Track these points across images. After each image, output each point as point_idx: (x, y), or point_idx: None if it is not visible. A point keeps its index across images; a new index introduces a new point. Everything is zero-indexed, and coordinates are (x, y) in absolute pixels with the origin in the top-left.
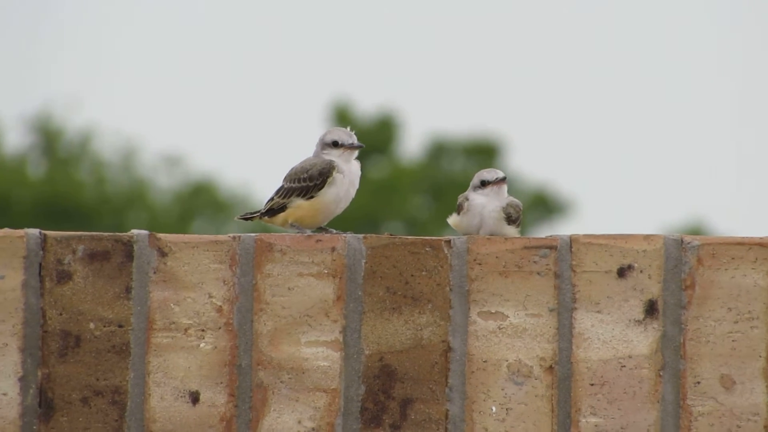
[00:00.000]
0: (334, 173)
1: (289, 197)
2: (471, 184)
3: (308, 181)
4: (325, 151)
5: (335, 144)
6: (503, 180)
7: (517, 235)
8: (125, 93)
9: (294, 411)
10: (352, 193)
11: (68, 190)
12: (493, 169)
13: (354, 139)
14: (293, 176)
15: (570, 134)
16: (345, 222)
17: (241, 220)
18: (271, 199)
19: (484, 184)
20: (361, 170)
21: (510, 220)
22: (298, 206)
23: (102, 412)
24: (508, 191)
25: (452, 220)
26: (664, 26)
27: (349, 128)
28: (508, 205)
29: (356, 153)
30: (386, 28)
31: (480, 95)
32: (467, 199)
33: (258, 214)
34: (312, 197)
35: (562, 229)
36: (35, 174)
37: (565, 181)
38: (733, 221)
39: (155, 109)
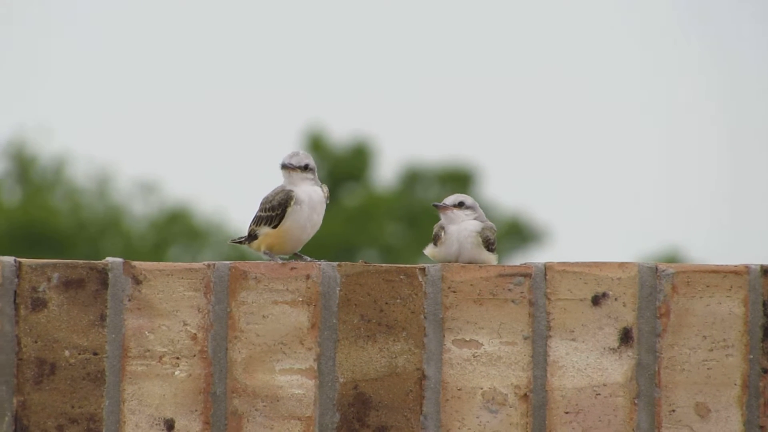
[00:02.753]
0: (292, 203)
1: (259, 225)
2: None
3: (271, 211)
4: (283, 175)
5: (282, 167)
6: (444, 207)
7: (495, 262)
8: (99, 119)
9: None
10: (316, 218)
11: (43, 217)
12: (456, 195)
13: (291, 160)
14: (262, 205)
15: (545, 162)
16: (320, 248)
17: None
18: (250, 225)
19: (435, 207)
20: (333, 197)
21: (489, 244)
22: (267, 234)
23: None
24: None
25: (429, 251)
26: (638, 54)
27: (300, 151)
28: (484, 229)
29: (301, 173)
30: (361, 55)
31: (454, 123)
32: (443, 228)
33: (244, 239)
34: (276, 226)
35: (537, 257)
36: (9, 201)
37: (540, 209)
38: (708, 250)
39: (130, 135)
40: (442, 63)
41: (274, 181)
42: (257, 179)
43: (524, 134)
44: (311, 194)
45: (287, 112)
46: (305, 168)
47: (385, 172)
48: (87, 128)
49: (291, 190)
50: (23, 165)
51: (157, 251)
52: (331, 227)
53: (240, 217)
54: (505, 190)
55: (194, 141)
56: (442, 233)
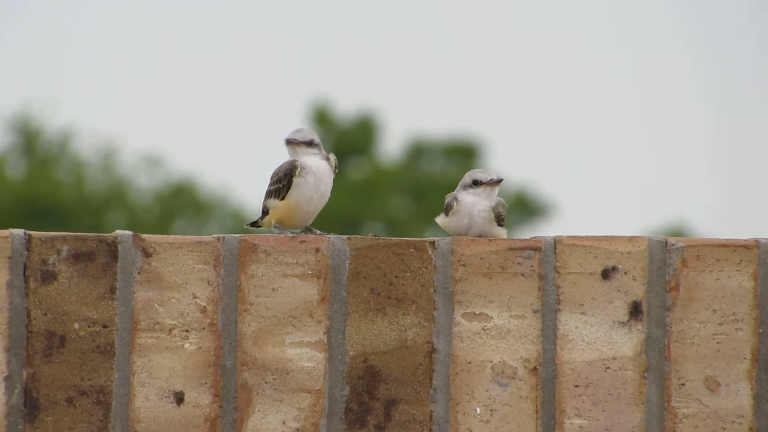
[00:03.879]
0: (297, 173)
1: (268, 199)
2: (461, 183)
3: (278, 183)
4: (288, 151)
5: (287, 142)
6: (498, 182)
7: (505, 236)
8: (104, 93)
9: (278, 412)
10: (324, 189)
11: (47, 190)
12: (485, 169)
13: (295, 135)
14: (271, 179)
15: (550, 135)
16: (326, 222)
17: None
18: (262, 202)
19: (476, 183)
20: (339, 168)
21: (500, 219)
22: (276, 207)
23: (87, 412)
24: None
25: (440, 220)
26: (643, 28)
27: (305, 127)
28: (497, 204)
29: (306, 148)
30: (366, 28)
31: (460, 96)
32: (456, 200)
33: (259, 219)
34: (284, 198)
35: (543, 230)
36: (14, 174)
37: (546, 183)
38: (714, 223)
39: (134, 108)
40: (447, 36)
41: (280, 154)
42: (263, 152)
43: (530, 107)
44: (318, 165)
45: (293, 85)
46: (310, 143)
47: (391, 145)
48: (92, 101)
49: (295, 160)
50: (29, 138)
51: (162, 224)
52: (336, 201)
53: (245, 191)
54: (511, 163)
55: (199, 114)
56: (455, 204)
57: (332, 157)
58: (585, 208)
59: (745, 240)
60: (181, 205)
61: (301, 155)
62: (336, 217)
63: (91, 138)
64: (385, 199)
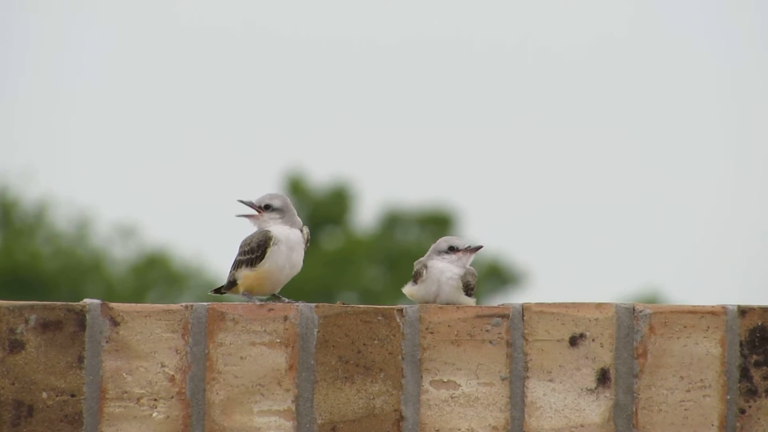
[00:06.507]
0: (271, 244)
1: (239, 269)
2: (432, 248)
3: (251, 253)
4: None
5: (261, 208)
6: (475, 250)
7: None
8: (79, 164)
9: None
10: (296, 258)
11: (25, 261)
12: (459, 237)
13: (260, 202)
14: (240, 248)
15: (523, 205)
16: (299, 293)
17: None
18: (229, 271)
19: (452, 249)
20: (312, 240)
21: (468, 289)
22: (246, 276)
23: None
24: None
25: (407, 289)
26: (614, 100)
27: (269, 192)
28: (467, 273)
29: (273, 215)
30: (339, 99)
31: (433, 166)
32: (426, 267)
33: (224, 287)
34: (255, 267)
35: (516, 299)
36: None
37: (519, 252)
38: (687, 291)
39: (108, 179)
40: (420, 108)
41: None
42: (237, 223)
43: (503, 177)
44: (289, 235)
45: (267, 155)
46: (266, 208)
47: (365, 215)
48: (68, 172)
49: (269, 231)
50: (5, 209)
51: (137, 295)
52: (310, 271)
53: (219, 262)
54: (484, 232)
55: (173, 185)
56: (424, 271)
57: (305, 229)
58: (559, 277)
59: (713, 306)
60: (155, 276)
61: (264, 223)
62: (310, 288)
63: (67, 208)
64: (359, 269)
